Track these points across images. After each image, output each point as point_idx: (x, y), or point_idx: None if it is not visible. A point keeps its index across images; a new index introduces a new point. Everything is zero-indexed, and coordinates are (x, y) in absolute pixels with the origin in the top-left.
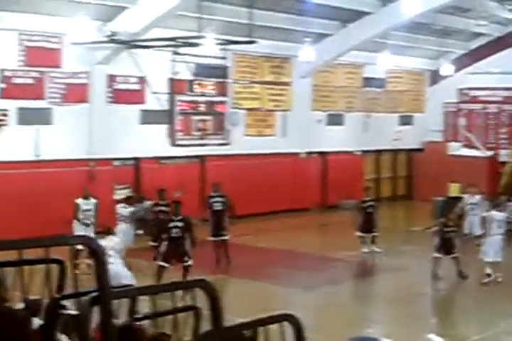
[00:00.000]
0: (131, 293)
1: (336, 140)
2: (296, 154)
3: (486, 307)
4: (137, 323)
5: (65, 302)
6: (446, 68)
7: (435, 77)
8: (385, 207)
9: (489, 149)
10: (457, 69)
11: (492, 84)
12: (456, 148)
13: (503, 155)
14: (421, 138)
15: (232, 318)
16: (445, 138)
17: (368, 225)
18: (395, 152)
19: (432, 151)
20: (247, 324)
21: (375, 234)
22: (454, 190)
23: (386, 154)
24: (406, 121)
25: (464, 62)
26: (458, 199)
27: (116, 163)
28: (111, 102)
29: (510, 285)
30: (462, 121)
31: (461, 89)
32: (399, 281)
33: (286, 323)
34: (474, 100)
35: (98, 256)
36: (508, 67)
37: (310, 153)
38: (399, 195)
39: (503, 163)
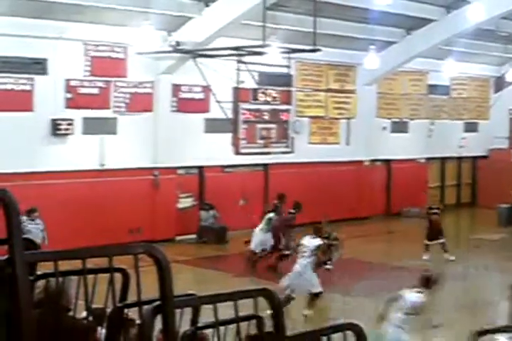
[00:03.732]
0: (194, 302)
1: (400, 147)
2: (360, 162)
3: None
4: (201, 332)
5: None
6: (511, 74)
7: (500, 84)
8: (449, 214)
9: None
10: None
11: None
12: None
13: None
14: (486, 145)
15: (295, 327)
16: (510, 145)
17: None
18: (460, 159)
19: (496, 158)
20: (310, 333)
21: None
22: None
23: (451, 161)
24: (471, 128)
25: None
26: None
27: (180, 171)
28: (175, 111)
29: None
30: None
31: None
32: (463, 289)
33: (349, 332)
34: None
35: (161, 264)
36: None
37: (374, 160)
38: (463, 202)
39: None
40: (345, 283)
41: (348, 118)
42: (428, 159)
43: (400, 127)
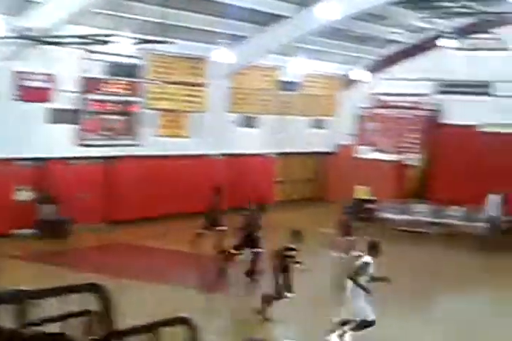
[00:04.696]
0: (18, 297)
1: (249, 142)
2: (209, 156)
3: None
4: (29, 328)
5: None
6: (359, 73)
7: (349, 82)
8: (296, 209)
9: (398, 153)
10: (370, 75)
11: (403, 90)
12: (366, 152)
13: (411, 159)
14: (332, 142)
15: (132, 322)
16: (356, 141)
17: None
18: (307, 155)
19: (342, 154)
20: (143, 327)
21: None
22: (360, 192)
23: (298, 157)
24: (319, 124)
25: (376, 68)
26: (364, 201)
27: (19, 163)
28: (16, 100)
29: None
30: (373, 126)
31: (373, 94)
32: (304, 281)
33: (181, 325)
34: (385, 105)
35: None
36: (419, 73)
37: (224, 155)
38: (309, 197)
39: (411, 167)
40: (184, 276)
41: (199, 112)
42: (276, 154)
43: (250, 122)
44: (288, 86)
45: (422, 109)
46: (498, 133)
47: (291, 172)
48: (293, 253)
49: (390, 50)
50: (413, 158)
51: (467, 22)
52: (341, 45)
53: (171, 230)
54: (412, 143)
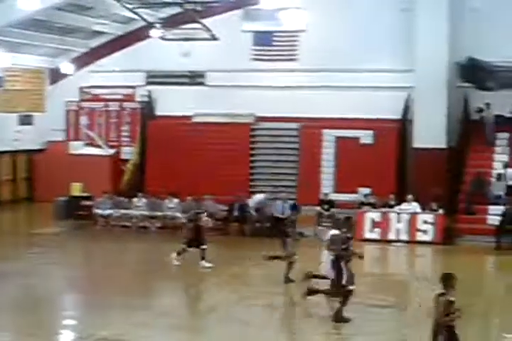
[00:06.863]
0: None
1: None
2: None
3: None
4: None
5: None
6: (65, 66)
7: (56, 76)
8: (6, 210)
9: (112, 147)
10: (78, 68)
11: (113, 82)
12: (78, 147)
13: (126, 152)
14: (42, 138)
15: None
16: (67, 137)
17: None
18: (15, 153)
19: (53, 151)
20: None
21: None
22: (75, 189)
23: (5, 156)
24: (26, 120)
25: (84, 60)
26: (80, 198)
27: None
28: None
29: None
30: (84, 120)
31: (82, 88)
32: (17, 287)
33: None
34: (96, 98)
35: None
36: (129, 65)
37: None
38: (20, 197)
39: (126, 161)
40: None
41: None
42: None
43: None
44: None
45: (134, 101)
46: (212, 123)
47: (0, 172)
48: None
49: (98, 41)
50: (128, 152)
51: (175, 12)
52: (46, 37)
53: None
54: (126, 136)
